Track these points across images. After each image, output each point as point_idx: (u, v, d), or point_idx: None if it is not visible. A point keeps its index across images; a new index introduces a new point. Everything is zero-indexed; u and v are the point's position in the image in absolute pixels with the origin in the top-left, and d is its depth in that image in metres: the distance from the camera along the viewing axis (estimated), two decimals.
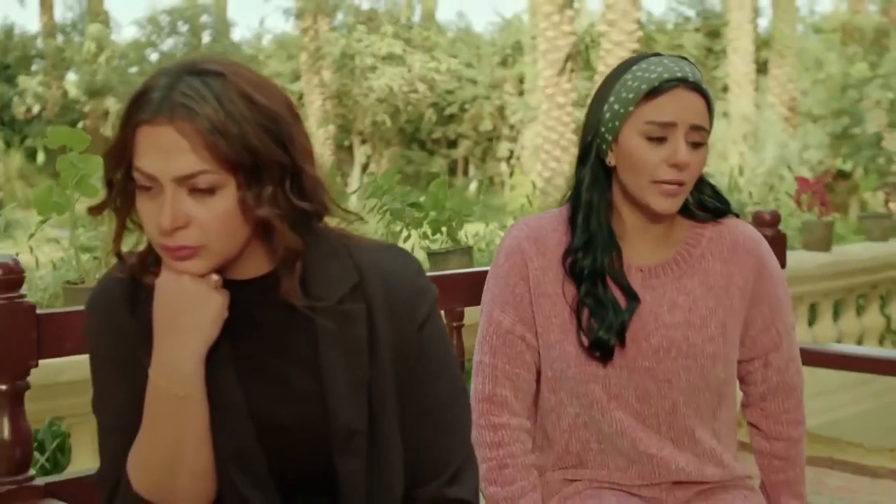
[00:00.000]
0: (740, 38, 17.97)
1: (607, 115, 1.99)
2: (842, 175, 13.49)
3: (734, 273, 2.05)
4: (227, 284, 1.58)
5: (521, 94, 22.18)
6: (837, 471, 2.79)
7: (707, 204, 2.08)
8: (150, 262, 1.59)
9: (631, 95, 1.95)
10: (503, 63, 23.01)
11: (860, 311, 5.11)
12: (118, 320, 1.60)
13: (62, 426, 3.02)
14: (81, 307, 1.92)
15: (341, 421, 1.58)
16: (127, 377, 1.60)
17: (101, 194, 1.58)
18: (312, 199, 1.55)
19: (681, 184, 1.96)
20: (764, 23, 25.20)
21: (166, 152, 1.46)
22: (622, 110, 1.96)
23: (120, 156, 1.52)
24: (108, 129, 23.21)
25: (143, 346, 1.57)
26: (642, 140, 1.95)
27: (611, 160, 2.00)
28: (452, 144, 23.38)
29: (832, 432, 3.24)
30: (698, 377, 2.01)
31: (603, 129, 2.00)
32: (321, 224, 1.60)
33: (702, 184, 2.07)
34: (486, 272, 2.15)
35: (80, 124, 24.34)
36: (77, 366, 2.55)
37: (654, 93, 1.94)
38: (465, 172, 23.76)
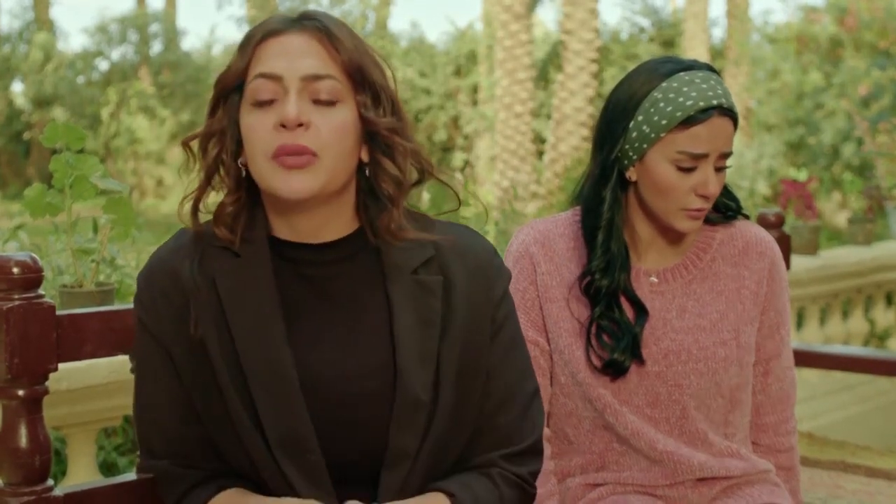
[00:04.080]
0: (695, 48, 18.10)
1: (634, 135, 1.93)
2: None
3: (745, 276, 2.03)
4: (306, 248, 1.57)
5: (475, 103, 22.19)
6: (851, 474, 2.78)
7: (719, 205, 2.05)
8: (226, 215, 1.56)
9: (664, 122, 1.89)
10: (457, 73, 23.00)
11: (845, 315, 5.12)
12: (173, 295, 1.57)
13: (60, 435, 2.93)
14: (103, 308, 1.84)
15: (409, 391, 1.53)
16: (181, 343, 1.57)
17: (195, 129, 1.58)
18: (418, 156, 1.57)
19: (706, 209, 1.95)
20: (718, 32, 25.50)
21: (297, 54, 1.48)
22: (653, 134, 1.90)
23: (235, 75, 1.51)
24: None
25: (208, 316, 1.54)
26: (671, 168, 1.90)
27: (632, 175, 1.96)
28: None
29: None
30: (710, 382, 1.98)
31: (627, 147, 1.94)
32: None
33: None
34: None
35: (27, 134, 24.01)
36: (77, 374, 2.50)
37: (688, 121, 1.88)
38: None
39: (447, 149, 22.73)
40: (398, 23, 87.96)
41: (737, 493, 2.02)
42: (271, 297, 1.54)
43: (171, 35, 25.49)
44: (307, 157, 1.48)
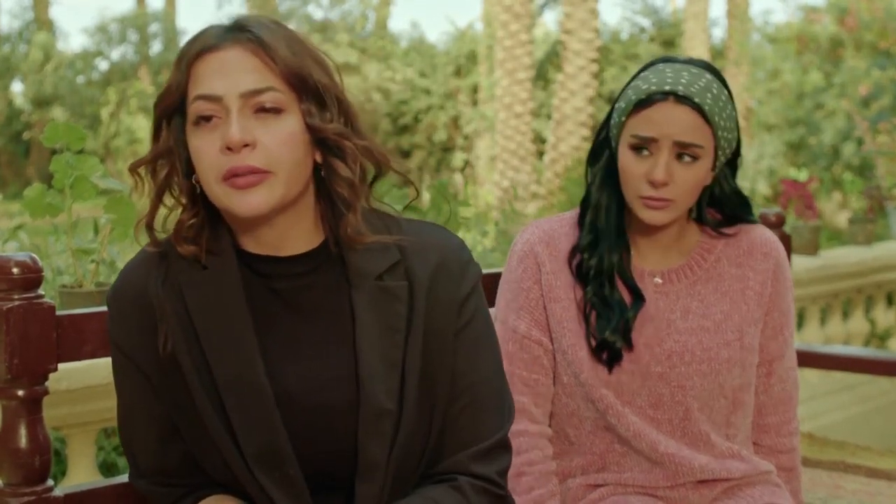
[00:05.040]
0: (695, 48, 18.10)
1: (612, 122, 1.98)
2: None
3: (750, 277, 2.02)
4: (274, 262, 1.55)
5: (475, 103, 22.17)
6: (851, 474, 2.77)
7: (725, 209, 2.05)
8: (186, 230, 1.54)
9: (624, 105, 1.93)
10: (457, 73, 22.99)
11: (845, 315, 5.12)
12: (145, 308, 1.55)
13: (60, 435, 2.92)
14: (103, 308, 1.84)
15: (372, 400, 1.51)
16: (155, 362, 1.55)
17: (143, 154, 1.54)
18: (370, 153, 1.54)
19: (663, 199, 1.92)
20: (718, 32, 25.49)
21: (233, 71, 1.46)
22: (618, 119, 1.95)
23: (174, 95, 1.48)
24: None
25: (177, 330, 1.52)
26: (629, 152, 1.93)
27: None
28: (406, 155, 23.33)
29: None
30: (713, 383, 1.98)
31: (610, 136, 1.99)
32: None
33: (724, 189, 2.03)
34: (496, 274, 2.11)
35: (27, 134, 24.02)
36: (76, 374, 2.49)
37: (641, 105, 1.90)
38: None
39: (447, 149, 22.72)
40: (398, 23, 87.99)
41: (738, 494, 2.02)
42: (241, 309, 1.53)
43: (171, 35, 25.50)
44: (258, 177, 1.45)
